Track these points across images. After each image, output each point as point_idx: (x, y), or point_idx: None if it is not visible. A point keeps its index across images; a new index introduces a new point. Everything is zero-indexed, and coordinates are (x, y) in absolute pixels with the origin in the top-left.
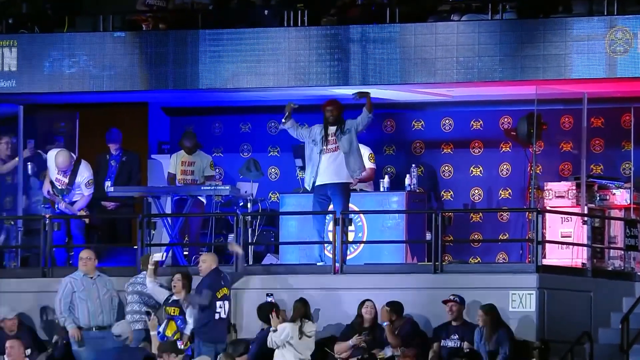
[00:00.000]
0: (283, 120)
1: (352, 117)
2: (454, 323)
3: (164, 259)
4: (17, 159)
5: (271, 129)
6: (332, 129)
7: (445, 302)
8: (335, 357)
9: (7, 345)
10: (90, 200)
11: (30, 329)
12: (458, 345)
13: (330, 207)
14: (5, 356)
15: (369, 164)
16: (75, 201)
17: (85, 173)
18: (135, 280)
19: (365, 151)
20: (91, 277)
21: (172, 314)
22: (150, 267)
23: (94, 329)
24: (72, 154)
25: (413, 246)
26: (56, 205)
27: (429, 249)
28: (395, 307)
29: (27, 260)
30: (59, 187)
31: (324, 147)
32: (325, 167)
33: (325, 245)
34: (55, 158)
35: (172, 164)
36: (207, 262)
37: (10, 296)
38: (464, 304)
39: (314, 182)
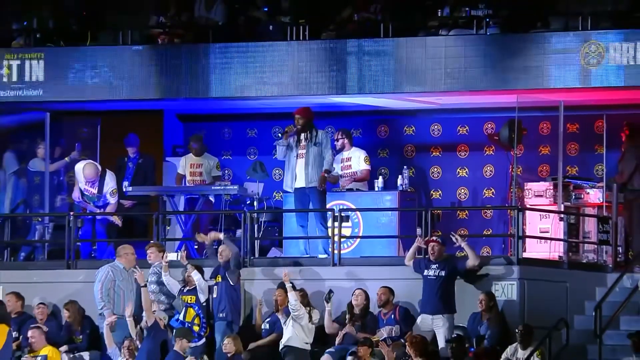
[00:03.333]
0: (278, 142)
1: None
2: (432, 259)
3: (177, 259)
4: (66, 159)
5: (276, 133)
6: (303, 135)
7: (427, 242)
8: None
9: (29, 334)
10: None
11: (58, 319)
12: (437, 274)
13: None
14: (29, 343)
15: (364, 166)
16: (105, 205)
17: (110, 183)
18: (153, 271)
19: (360, 154)
20: (127, 270)
21: (189, 302)
22: (164, 263)
23: (126, 317)
24: (98, 166)
25: (405, 240)
26: (88, 211)
27: None
28: (391, 290)
29: (54, 254)
30: (89, 196)
31: (298, 152)
32: (300, 171)
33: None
34: (82, 170)
35: (182, 166)
36: (226, 251)
37: (38, 286)
38: (445, 244)
39: (291, 184)
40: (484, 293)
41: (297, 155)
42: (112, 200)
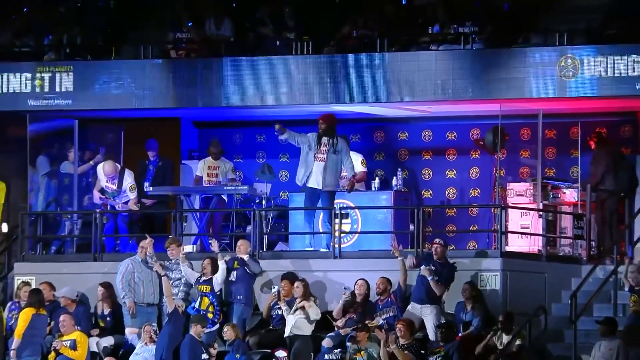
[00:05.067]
0: (280, 138)
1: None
2: (435, 258)
3: (193, 251)
4: (91, 162)
5: (282, 139)
6: (324, 139)
7: (433, 243)
8: (334, 324)
9: (60, 319)
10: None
11: (85, 306)
12: (432, 277)
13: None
14: (59, 328)
15: (361, 168)
16: (127, 202)
17: (128, 179)
18: (174, 267)
19: (357, 157)
20: (146, 263)
21: (204, 291)
22: (182, 255)
23: (145, 304)
24: (117, 164)
25: (399, 235)
26: (109, 207)
27: (412, 238)
28: (389, 280)
29: (82, 248)
30: (110, 192)
31: (317, 154)
32: (317, 173)
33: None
34: (102, 168)
35: (200, 168)
36: (244, 245)
37: (68, 277)
38: (447, 246)
39: (306, 182)
40: (467, 283)
41: (315, 157)
42: (132, 195)
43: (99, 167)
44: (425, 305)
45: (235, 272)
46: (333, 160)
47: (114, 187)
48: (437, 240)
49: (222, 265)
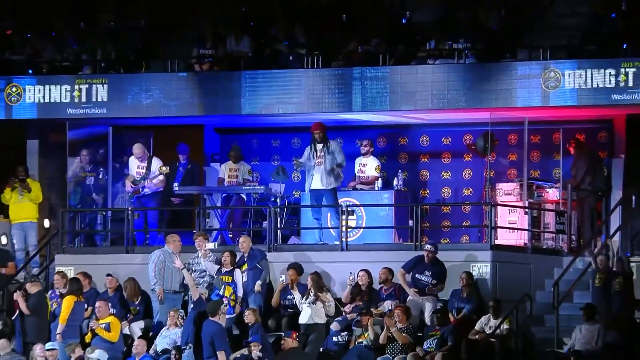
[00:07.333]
0: (298, 169)
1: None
2: (427, 262)
3: (215, 247)
4: (79, 162)
5: (294, 144)
6: (319, 146)
7: (424, 250)
8: (341, 310)
9: (97, 305)
10: (165, 186)
11: (121, 293)
12: (429, 281)
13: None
14: (95, 312)
15: (374, 173)
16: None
17: (156, 162)
18: (196, 262)
19: (374, 163)
20: (174, 254)
21: (227, 281)
22: (204, 251)
23: (172, 292)
24: (145, 149)
25: (399, 230)
26: (141, 190)
27: (411, 233)
28: (391, 270)
29: (115, 242)
30: (138, 178)
31: (315, 161)
32: (317, 176)
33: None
34: (133, 150)
35: (222, 171)
36: (245, 242)
37: (103, 267)
38: (437, 251)
39: (310, 185)
40: (465, 272)
41: (315, 163)
42: (161, 176)
43: (131, 158)
44: (425, 297)
45: (245, 273)
46: (329, 160)
47: (143, 171)
48: (428, 247)
49: (238, 274)
